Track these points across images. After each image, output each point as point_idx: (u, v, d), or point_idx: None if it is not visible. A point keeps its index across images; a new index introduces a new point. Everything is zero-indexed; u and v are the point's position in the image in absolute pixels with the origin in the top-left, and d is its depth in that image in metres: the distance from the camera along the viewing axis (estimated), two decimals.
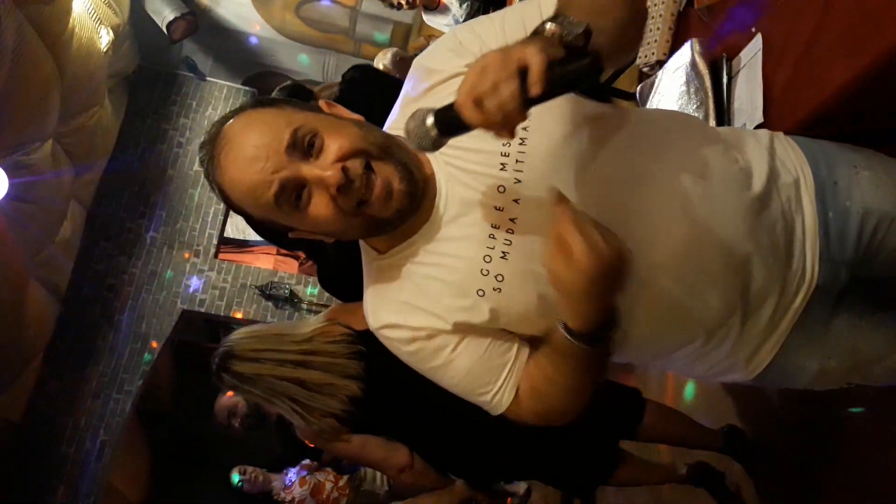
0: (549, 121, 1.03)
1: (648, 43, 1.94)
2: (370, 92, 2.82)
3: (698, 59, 1.67)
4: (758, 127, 1.49)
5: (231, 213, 5.89)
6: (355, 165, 0.96)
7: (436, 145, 0.89)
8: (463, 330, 1.06)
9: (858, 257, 1.15)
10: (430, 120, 0.88)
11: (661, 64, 1.87)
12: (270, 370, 1.98)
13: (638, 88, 1.94)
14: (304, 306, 5.63)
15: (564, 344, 0.96)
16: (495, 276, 1.03)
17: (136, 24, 5.00)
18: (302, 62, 5.68)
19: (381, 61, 4.04)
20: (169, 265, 5.48)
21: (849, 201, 1.14)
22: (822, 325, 1.17)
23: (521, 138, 1.03)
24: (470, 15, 4.35)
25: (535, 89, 0.80)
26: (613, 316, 0.95)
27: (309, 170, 0.96)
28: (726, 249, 1.07)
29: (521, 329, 1.08)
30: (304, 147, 0.97)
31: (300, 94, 3.44)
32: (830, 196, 1.14)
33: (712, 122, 1.60)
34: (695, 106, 1.64)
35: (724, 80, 1.61)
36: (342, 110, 1.06)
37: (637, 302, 1.05)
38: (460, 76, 0.87)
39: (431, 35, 5.13)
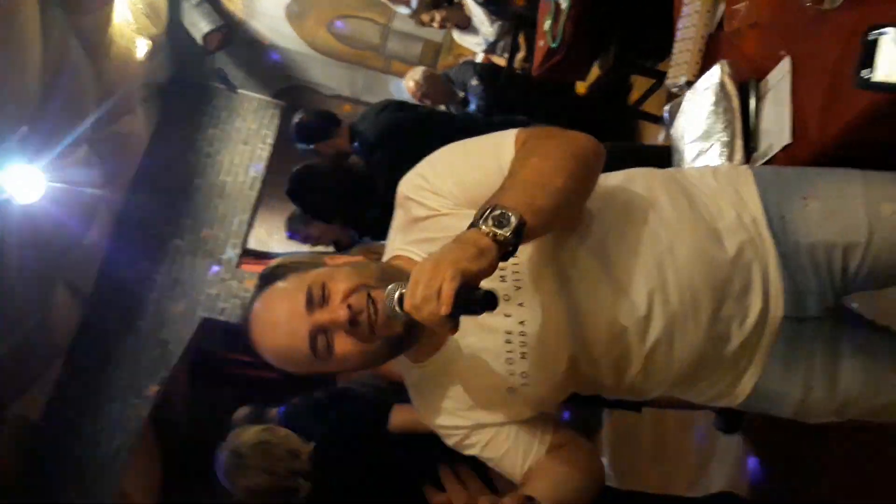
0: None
1: (678, 64, 1.97)
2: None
3: (727, 80, 1.69)
4: (786, 148, 1.50)
5: (255, 224, 5.98)
6: (359, 299, 1.09)
7: (409, 317, 1.00)
8: (499, 424, 1.23)
9: (830, 287, 1.21)
10: (396, 295, 1.01)
11: (689, 84, 1.89)
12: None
13: (666, 108, 1.97)
14: None
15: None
16: (521, 374, 1.18)
17: (172, 35, 5.11)
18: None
19: (413, 78, 4.11)
20: (192, 273, 5.54)
21: (796, 235, 1.20)
22: (805, 354, 1.23)
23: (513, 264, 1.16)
24: (501, 35, 4.41)
25: (444, 309, 0.92)
26: None
27: (322, 315, 1.09)
28: (708, 302, 1.18)
29: (554, 397, 1.25)
30: (316, 300, 1.10)
31: (328, 120, 3.52)
32: (780, 231, 1.20)
33: (739, 142, 1.62)
34: (723, 126, 1.66)
35: (753, 101, 1.63)
36: (342, 258, 1.23)
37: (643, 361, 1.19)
38: (438, 216, 1.15)
39: (461, 54, 5.21)
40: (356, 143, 3.38)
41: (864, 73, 0.96)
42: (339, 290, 1.10)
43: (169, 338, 5.43)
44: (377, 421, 2.32)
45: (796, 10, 1.49)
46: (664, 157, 1.91)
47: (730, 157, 1.64)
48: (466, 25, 4.54)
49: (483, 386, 1.20)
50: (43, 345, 4.61)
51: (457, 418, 1.24)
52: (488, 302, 0.96)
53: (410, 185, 1.23)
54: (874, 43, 0.96)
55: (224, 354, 5.53)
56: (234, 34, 5.25)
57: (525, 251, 1.14)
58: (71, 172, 3.95)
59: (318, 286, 1.10)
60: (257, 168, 5.81)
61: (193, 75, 5.72)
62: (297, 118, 3.60)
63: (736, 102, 1.64)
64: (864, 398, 1.25)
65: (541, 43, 3.36)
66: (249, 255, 6.00)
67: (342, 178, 3.31)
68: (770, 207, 1.22)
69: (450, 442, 1.27)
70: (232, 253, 5.67)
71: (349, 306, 1.07)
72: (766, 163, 1.55)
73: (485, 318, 1.02)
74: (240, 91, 5.88)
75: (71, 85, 3.53)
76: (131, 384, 5.35)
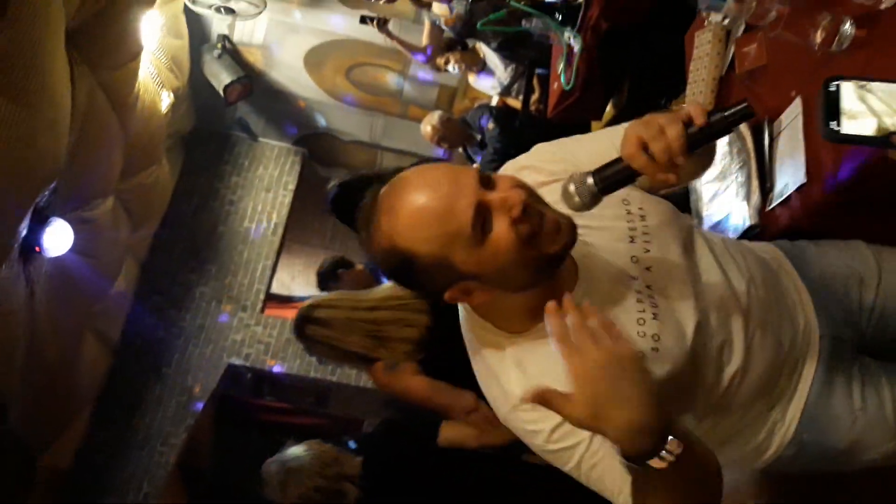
0: (654, 202, 1.23)
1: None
2: None
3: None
4: (801, 187, 1.53)
5: (278, 269, 6.05)
6: (528, 198, 1.02)
7: (594, 203, 1.03)
8: None
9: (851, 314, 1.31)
10: (590, 179, 1.02)
11: None
12: (346, 314, 2.26)
13: None
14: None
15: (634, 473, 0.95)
16: (652, 337, 1.11)
17: (194, 87, 5.24)
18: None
19: (430, 122, 4.18)
20: (216, 319, 5.61)
21: (814, 266, 1.34)
22: (845, 376, 1.27)
23: (640, 214, 1.19)
24: (515, 78, 4.49)
25: (699, 120, 0.95)
26: (656, 428, 0.90)
27: (494, 195, 1.01)
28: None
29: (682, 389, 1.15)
30: (487, 184, 1.03)
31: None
32: (800, 262, 1.36)
33: (755, 182, 1.64)
34: (738, 166, 1.69)
35: (766, 141, 1.65)
36: None
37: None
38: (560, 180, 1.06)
39: (476, 97, 5.29)
40: None
41: (833, 125, 0.95)
42: (508, 182, 1.04)
43: (194, 384, 5.48)
44: (426, 434, 2.34)
45: (805, 53, 1.52)
46: (682, 199, 1.94)
47: (747, 198, 1.66)
48: (481, 69, 4.62)
49: None
50: (72, 394, 4.67)
51: None
52: (747, 109, 0.99)
53: (526, 157, 1.27)
54: (836, 94, 0.95)
55: (250, 400, 5.55)
56: (254, 84, 5.38)
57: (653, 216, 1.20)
58: (98, 224, 4.04)
59: (487, 176, 1.04)
60: (280, 214, 5.90)
61: (215, 125, 5.85)
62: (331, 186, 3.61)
63: (750, 143, 1.67)
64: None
65: (555, 85, 3.41)
66: (273, 299, 6.05)
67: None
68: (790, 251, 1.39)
69: (549, 425, 1.06)
70: (255, 298, 5.73)
71: (524, 197, 1.02)
72: (782, 202, 1.57)
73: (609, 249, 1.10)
74: (260, 139, 6.00)
75: (98, 138, 3.63)
76: (158, 432, 5.39)
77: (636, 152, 0.97)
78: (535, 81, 4.31)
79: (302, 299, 6.13)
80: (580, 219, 1.06)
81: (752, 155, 1.66)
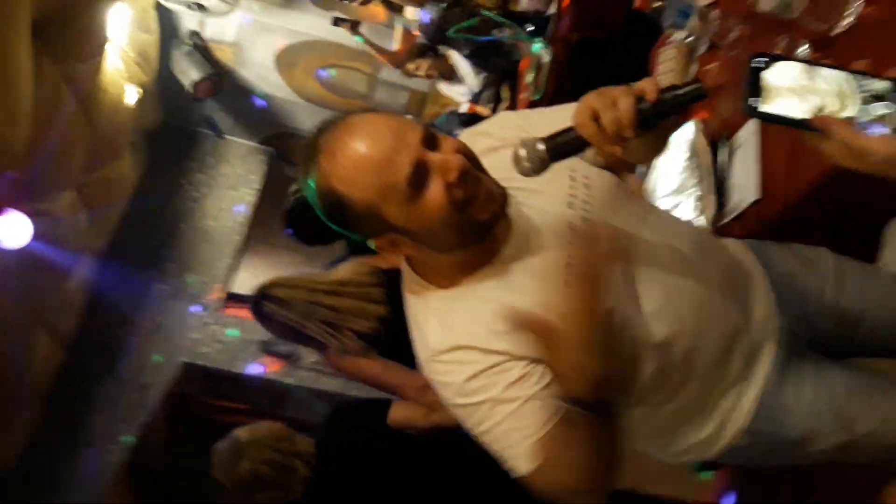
0: (599, 174, 1.25)
1: None
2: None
3: (700, 137, 1.76)
4: (754, 203, 1.56)
5: (240, 269, 5.99)
6: (468, 164, 1.07)
7: (542, 168, 1.05)
8: (535, 362, 1.07)
9: (811, 317, 1.35)
10: (540, 145, 1.03)
11: None
12: (305, 296, 2.25)
13: None
14: (306, 365, 5.64)
15: (566, 411, 0.98)
16: None
17: (162, 82, 5.18)
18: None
19: None
20: (174, 317, 5.52)
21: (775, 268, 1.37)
22: (799, 374, 1.30)
23: (584, 183, 1.21)
24: (485, 87, 4.52)
25: (651, 96, 0.97)
26: (613, 386, 0.95)
27: (435, 156, 1.05)
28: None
29: None
30: (430, 143, 1.07)
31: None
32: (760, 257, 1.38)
33: (711, 197, 1.68)
34: (695, 181, 1.72)
35: (724, 157, 1.69)
36: None
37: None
38: (511, 146, 1.06)
39: (446, 103, 5.31)
40: None
41: (752, 101, 0.94)
42: (452, 145, 1.08)
43: (149, 383, 5.38)
44: (377, 412, 2.32)
45: None
46: None
47: (702, 211, 1.70)
48: (451, 76, 4.64)
49: (534, 304, 1.01)
50: (18, 392, 4.55)
51: (500, 341, 1.08)
52: (699, 90, 1.01)
53: (486, 122, 1.31)
54: (758, 71, 0.95)
55: (206, 400, 5.47)
56: (223, 82, 5.33)
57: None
58: (57, 217, 3.96)
59: (431, 133, 1.08)
60: (243, 213, 5.84)
61: (182, 121, 5.78)
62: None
63: (707, 159, 1.71)
64: (868, 416, 1.29)
65: (524, 95, 3.45)
66: (234, 298, 5.98)
67: None
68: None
69: (475, 369, 1.09)
70: (215, 297, 5.66)
71: (463, 163, 1.05)
72: (736, 217, 1.61)
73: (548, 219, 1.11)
74: (227, 137, 5.94)
75: (61, 132, 3.57)
76: (109, 431, 5.27)
77: (587, 121, 0.98)
78: (504, 90, 4.34)
79: None
80: (524, 181, 1.08)
81: (710, 170, 1.69)
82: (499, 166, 1.11)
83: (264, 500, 2.22)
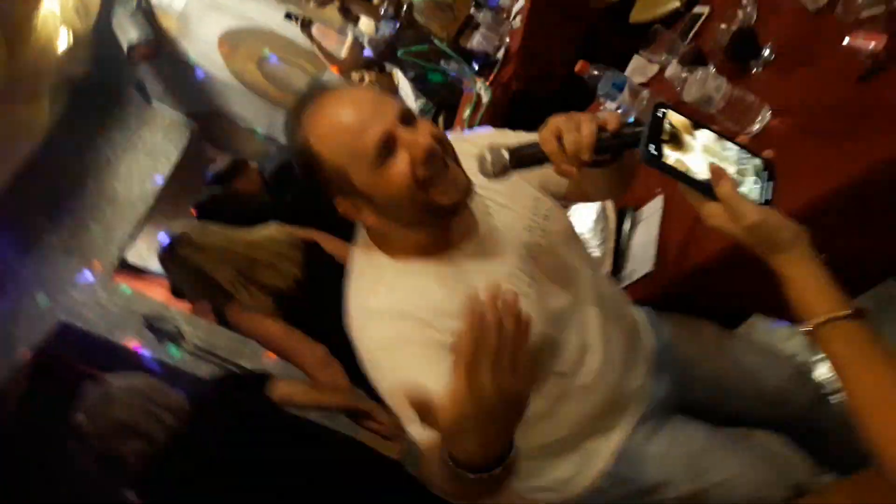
0: (562, 214, 1.39)
1: None
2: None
3: (609, 204, 1.89)
4: (645, 275, 1.69)
5: (139, 238, 5.81)
6: (440, 149, 1.16)
7: (504, 174, 1.13)
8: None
9: (684, 383, 1.50)
10: (505, 153, 1.12)
11: None
12: (222, 242, 2.26)
13: None
14: (187, 348, 5.51)
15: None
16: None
17: (99, 35, 5.02)
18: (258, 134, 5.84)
19: None
20: (61, 274, 5.30)
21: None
22: (661, 428, 1.44)
23: (545, 215, 1.33)
24: (422, 112, 4.61)
25: (611, 126, 1.04)
26: (501, 452, 0.94)
27: (407, 133, 1.15)
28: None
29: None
30: (406, 121, 1.16)
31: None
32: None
33: (609, 261, 1.80)
34: (598, 242, 1.85)
35: (627, 226, 1.83)
36: None
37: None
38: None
39: None
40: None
41: (651, 149, 0.97)
42: (428, 128, 1.17)
43: (18, 335, 5.12)
44: (256, 384, 2.31)
45: None
46: None
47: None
48: (392, 94, 4.71)
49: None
50: None
51: (443, 324, 1.13)
52: (624, 143, 1.06)
53: (472, 135, 1.44)
54: (661, 120, 0.99)
55: (75, 365, 5.25)
56: (161, 49, 5.22)
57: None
58: None
59: (410, 113, 1.18)
60: (154, 182, 5.69)
61: (111, 78, 5.59)
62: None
63: (612, 225, 1.84)
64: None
65: (457, 128, 3.55)
66: (126, 267, 5.80)
67: (247, 202, 3.33)
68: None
69: (407, 338, 1.14)
70: (108, 262, 5.47)
71: (432, 145, 1.14)
72: (628, 285, 1.74)
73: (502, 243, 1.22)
74: (154, 103, 5.80)
75: None
76: None
77: (550, 138, 1.07)
78: (440, 120, 4.44)
79: (156, 274, 5.93)
80: (496, 194, 1.24)
81: (612, 236, 1.82)
82: (475, 170, 1.19)
83: (127, 449, 2.13)
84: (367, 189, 1.16)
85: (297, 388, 2.29)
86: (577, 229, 1.98)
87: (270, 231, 2.36)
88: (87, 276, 5.37)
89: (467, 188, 1.19)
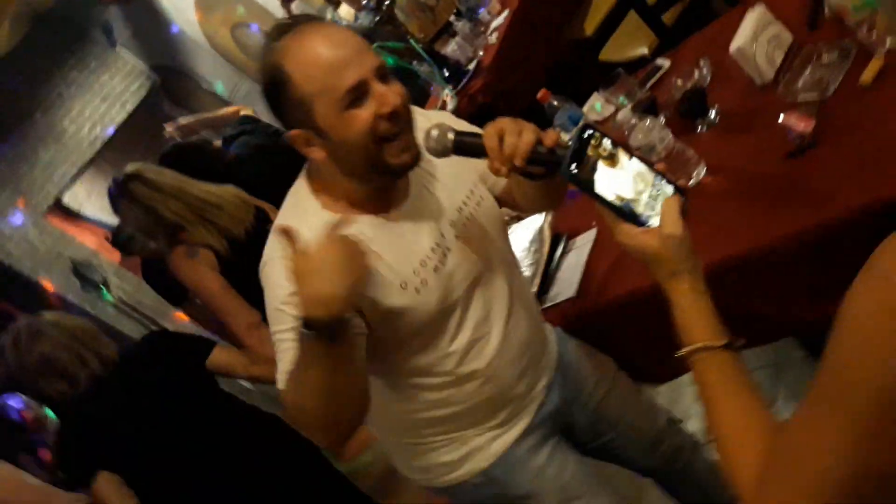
0: (493, 204, 1.47)
1: None
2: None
3: (546, 228, 1.99)
4: (567, 299, 1.79)
5: (78, 182, 5.68)
6: (404, 113, 1.23)
7: (444, 154, 1.20)
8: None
9: (574, 408, 1.60)
10: (451, 135, 1.18)
11: (519, 219, 2.18)
12: (177, 183, 2.29)
13: None
14: (112, 300, 5.42)
15: (302, 335, 1.10)
16: (421, 281, 1.31)
17: None
18: (218, 90, 5.76)
19: None
20: None
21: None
22: (542, 443, 1.53)
23: (477, 202, 1.42)
24: None
25: (548, 141, 1.11)
26: (333, 308, 1.06)
27: (380, 86, 1.20)
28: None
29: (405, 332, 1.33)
30: (381, 77, 1.21)
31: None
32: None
33: (537, 281, 1.90)
34: (529, 262, 1.94)
35: (559, 252, 1.92)
36: None
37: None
38: None
39: None
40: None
41: (573, 167, 0.99)
42: (399, 88, 1.22)
43: None
44: (198, 350, 2.29)
45: None
46: None
47: None
48: None
49: (388, 261, 1.28)
50: None
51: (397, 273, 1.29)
52: (555, 161, 1.09)
53: (424, 111, 1.46)
54: (587, 141, 1.00)
55: None
56: None
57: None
58: None
59: (387, 71, 1.22)
60: (105, 129, 5.58)
61: (76, 14, 5.47)
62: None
63: (546, 249, 1.94)
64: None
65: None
66: (60, 208, 5.67)
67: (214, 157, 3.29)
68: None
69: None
70: (42, 200, 5.34)
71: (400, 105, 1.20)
72: (551, 307, 1.83)
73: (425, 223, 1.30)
74: (118, 48, 5.69)
75: None
76: None
77: (493, 135, 1.14)
78: None
79: (91, 221, 5.82)
80: (439, 171, 1.33)
81: (544, 259, 1.92)
82: (421, 144, 1.26)
83: (48, 389, 2.12)
84: (327, 127, 1.21)
85: (236, 357, 2.31)
86: (515, 244, 2.09)
87: (228, 188, 2.38)
88: (19, 209, 5.24)
89: (417, 155, 1.25)
